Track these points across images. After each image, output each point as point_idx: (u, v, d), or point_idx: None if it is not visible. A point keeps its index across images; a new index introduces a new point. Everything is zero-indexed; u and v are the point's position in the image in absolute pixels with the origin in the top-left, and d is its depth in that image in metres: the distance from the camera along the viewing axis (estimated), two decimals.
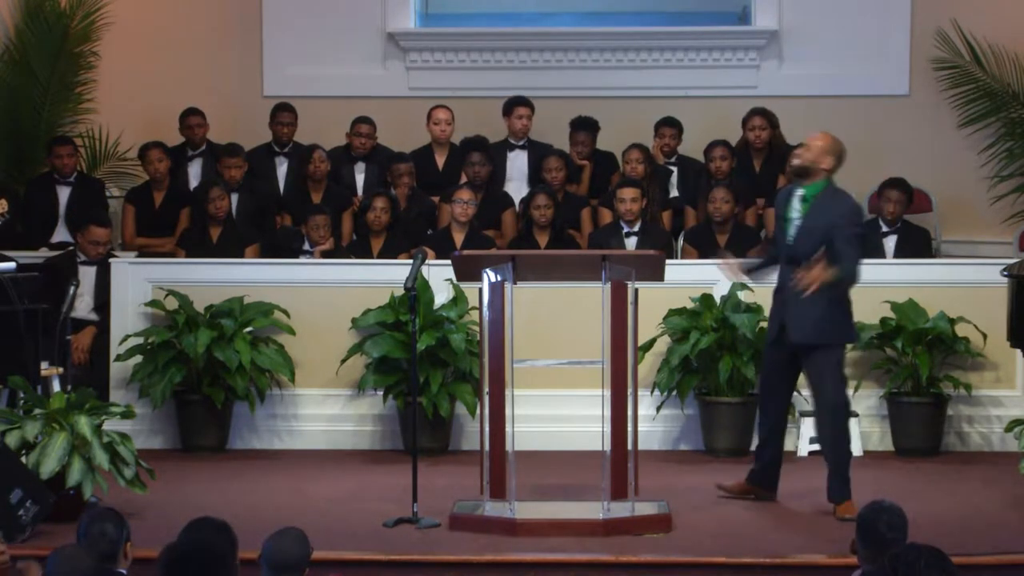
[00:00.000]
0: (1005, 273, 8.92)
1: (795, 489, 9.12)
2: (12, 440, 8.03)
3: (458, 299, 10.15)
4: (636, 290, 8.07)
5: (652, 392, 10.00)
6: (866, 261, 10.57)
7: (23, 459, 7.99)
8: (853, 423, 10.06)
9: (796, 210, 8.42)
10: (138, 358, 10.15)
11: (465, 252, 9.19)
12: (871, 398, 10.22)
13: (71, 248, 10.98)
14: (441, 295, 10.20)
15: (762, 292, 10.08)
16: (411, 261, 8.66)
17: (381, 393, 10.11)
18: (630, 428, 8.05)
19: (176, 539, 5.08)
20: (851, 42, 12.40)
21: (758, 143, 11.76)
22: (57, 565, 5.06)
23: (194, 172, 12.00)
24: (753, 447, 10.13)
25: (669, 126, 11.87)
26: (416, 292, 8.50)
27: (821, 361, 8.35)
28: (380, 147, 11.96)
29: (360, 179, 11.90)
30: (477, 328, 8.89)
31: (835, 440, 8.40)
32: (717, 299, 10.10)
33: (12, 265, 9.30)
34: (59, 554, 5.12)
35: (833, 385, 8.36)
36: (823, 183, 8.45)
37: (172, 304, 10.18)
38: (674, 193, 11.81)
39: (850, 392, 10.04)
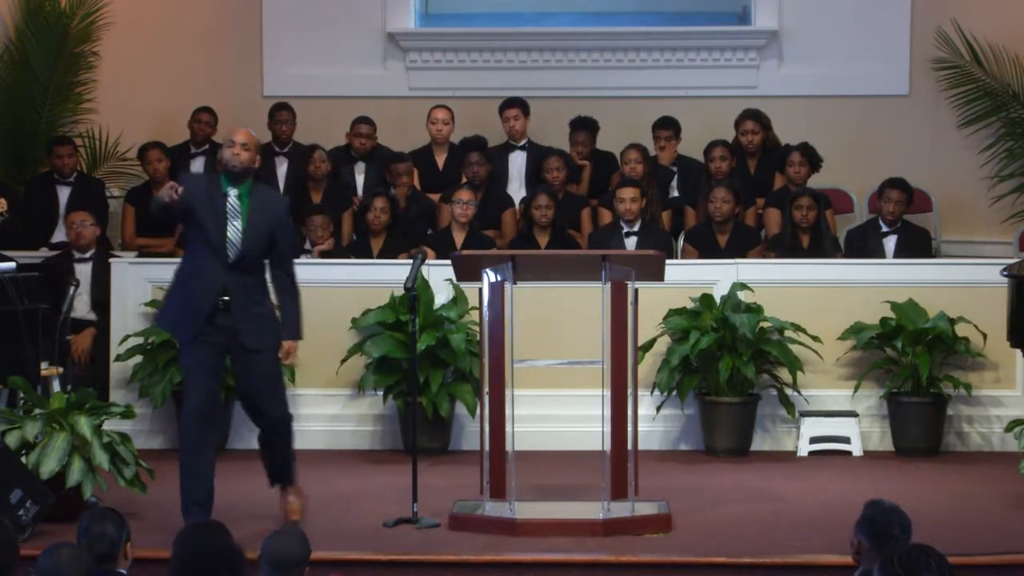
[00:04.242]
0: (1005, 273, 8.91)
1: (795, 489, 9.11)
2: (12, 440, 8.03)
3: (458, 299, 10.15)
4: (636, 290, 8.07)
5: (652, 392, 9.99)
6: (866, 261, 10.69)
7: (23, 459, 7.99)
8: (853, 423, 10.09)
9: (235, 210, 8.04)
10: (138, 358, 10.15)
11: (465, 252, 9.19)
12: (871, 398, 10.21)
13: (68, 248, 10.97)
14: (441, 295, 10.19)
15: (762, 292, 10.09)
16: (411, 261, 8.66)
17: (381, 393, 10.11)
18: (630, 428, 8.05)
19: (186, 546, 5.06)
20: (851, 42, 12.38)
21: (751, 147, 11.75)
22: (50, 563, 5.03)
23: (196, 170, 11.98)
24: (753, 447, 10.15)
25: (664, 128, 11.83)
26: (416, 292, 8.50)
27: (269, 360, 8.15)
28: (380, 147, 11.95)
29: (360, 179, 11.89)
30: (477, 328, 8.88)
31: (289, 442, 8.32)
32: (717, 299, 10.09)
33: (12, 265, 9.30)
34: (53, 554, 5.08)
35: (282, 386, 8.31)
36: (250, 179, 8.13)
37: None
38: (674, 193, 11.81)
39: (850, 392, 10.14)
